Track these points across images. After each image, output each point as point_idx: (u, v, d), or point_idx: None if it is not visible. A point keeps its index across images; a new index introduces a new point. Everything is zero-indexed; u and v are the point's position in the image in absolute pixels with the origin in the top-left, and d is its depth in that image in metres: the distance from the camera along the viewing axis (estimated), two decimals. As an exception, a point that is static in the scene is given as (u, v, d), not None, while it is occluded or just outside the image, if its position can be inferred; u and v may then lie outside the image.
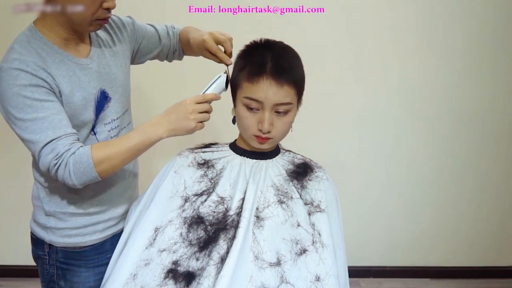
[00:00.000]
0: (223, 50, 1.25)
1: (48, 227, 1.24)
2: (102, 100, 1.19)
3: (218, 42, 1.23)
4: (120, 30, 1.30)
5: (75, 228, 1.24)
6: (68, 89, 1.11)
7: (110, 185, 1.27)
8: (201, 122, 1.12)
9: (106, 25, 1.25)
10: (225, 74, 1.16)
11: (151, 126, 1.11)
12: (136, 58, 1.40)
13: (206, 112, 1.13)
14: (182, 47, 1.46)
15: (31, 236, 1.31)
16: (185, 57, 1.48)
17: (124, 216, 1.32)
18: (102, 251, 1.28)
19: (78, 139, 1.11)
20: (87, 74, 1.15)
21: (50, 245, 1.25)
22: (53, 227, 1.23)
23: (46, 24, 1.11)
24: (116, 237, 1.26)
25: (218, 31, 1.25)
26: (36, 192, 1.25)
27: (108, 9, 1.10)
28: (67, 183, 1.09)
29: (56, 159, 1.06)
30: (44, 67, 1.07)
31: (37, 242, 1.28)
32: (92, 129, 1.19)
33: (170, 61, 1.50)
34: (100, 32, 1.24)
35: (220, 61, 1.24)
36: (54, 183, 1.20)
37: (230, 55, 1.23)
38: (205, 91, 1.15)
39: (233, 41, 1.27)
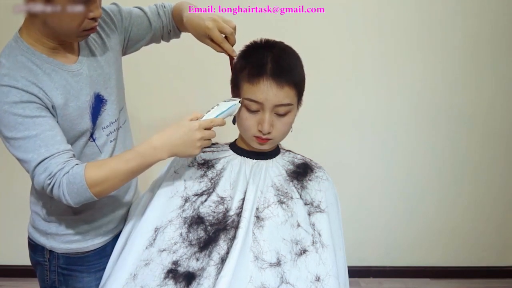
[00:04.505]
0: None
1: (48, 233, 1.21)
2: (98, 104, 1.15)
3: (222, 33, 1.14)
4: (107, 24, 1.22)
5: (77, 234, 1.21)
6: (62, 101, 1.07)
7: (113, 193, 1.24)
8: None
9: (101, 22, 1.20)
10: (240, 104, 1.10)
11: (152, 149, 1.04)
12: (129, 47, 1.31)
13: (210, 138, 1.07)
14: (177, 25, 1.35)
15: (29, 242, 1.28)
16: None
17: (124, 218, 1.30)
18: (104, 255, 1.25)
19: (74, 155, 1.07)
20: (79, 81, 1.11)
21: (51, 251, 1.22)
22: (54, 233, 1.20)
23: (31, 34, 1.06)
24: (115, 241, 1.24)
25: (221, 17, 1.16)
26: (35, 198, 1.22)
27: (94, 19, 1.05)
28: (62, 202, 1.05)
29: (50, 178, 1.02)
30: (35, 81, 1.03)
31: (36, 248, 1.25)
32: (91, 136, 1.16)
33: (167, 41, 1.39)
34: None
35: (222, 51, 1.16)
36: None
37: (232, 46, 1.17)
38: (218, 115, 1.07)
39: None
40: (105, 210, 1.25)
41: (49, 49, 1.08)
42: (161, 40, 1.38)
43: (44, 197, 1.19)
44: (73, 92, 1.09)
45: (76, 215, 1.20)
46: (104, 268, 1.22)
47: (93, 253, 1.25)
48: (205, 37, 1.17)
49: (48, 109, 1.05)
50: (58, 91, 1.06)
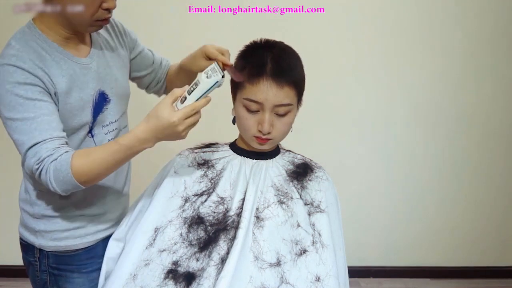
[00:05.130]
0: None
1: (37, 231, 1.20)
2: (101, 101, 1.16)
3: (219, 51, 1.16)
4: (121, 35, 1.28)
5: (66, 230, 1.20)
6: (66, 89, 1.08)
7: (102, 191, 1.24)
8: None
9: (108, 26, 1.23)
10: (223, 79, 1.04)
11: (137, 141, 1.03)
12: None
13: (196, 122, 1.04)
14: (166, 81, 1.43)
15: (20, 242, 1.27)
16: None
17: (116, 221, 1.29)
18: (94, 255, 1.24)
19: (66, 143, 1.06)
20: (87, 74, 1.13)
21: (41, 250, 1.21)
22: (42, 230, 1.20)
23: (45, 22, 1.08)
24: (106, 241, 1.23)
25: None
26: (25, 194, 1.22)
27: (108, 10, 1.08)
28: (52, 190, 1.04)
29: (38, 163, 1.02)
30: (41, 66, 1.04)
31: (27, 248, 1.24)
32: (90, 131, 1.16)
33: (149, 91, 1.45)
34: (102, 32, 1.22)
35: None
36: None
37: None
38: (199, 96, 1.01)
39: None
40: (96, 210, 1.24)
41: (62, 38, 1.10)
42: (144, 88, 1.45)
43: (33, 194, 1.19)
44: (78, 83, 1.10)
45: (66, 212, 1.20)
46: (95, 270, 1.21)
47: (83, 252, 1.23)
48: (202, 57, 1.20)
49: (51, 95, 1.06)
50: (64, 79, 1.07)
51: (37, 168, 1.02)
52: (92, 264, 1.24)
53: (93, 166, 1.03)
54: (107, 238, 1.25)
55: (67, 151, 1.03)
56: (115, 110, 1.21)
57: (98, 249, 1.25)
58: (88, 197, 1.21)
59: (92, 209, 1.23)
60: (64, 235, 1.21)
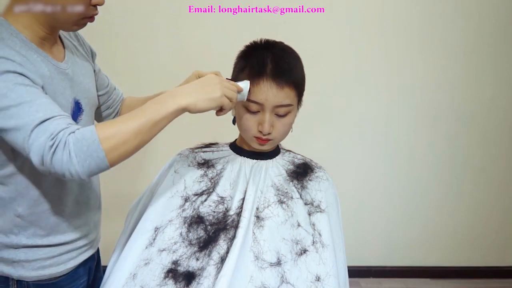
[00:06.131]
0: None
1: (16, 261, 1.08)
2: (76, 111, 1.09)
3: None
4: (84, 44, 1.23)
5: (49, 258, 1.11)
6: (50, 93, 0.98)
7: (85, 209, 1.20)
8: (227, 98, 0.98)
9: (71, 33, 1.17)
10: (249, 82, 1.06)
11: (169, 95, 0.94)
12: None
13: (232, 91, 0.99)
14: (123, 112, 1.38)
15: None
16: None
17: (95, 240, 1.27)
18: (77, 277, 1.19)
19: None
20: (63, 79, 1.05)
21: (19, 281, 1.09)
22: (23, 260, 1.08)
23: (20, 19, 0.98)
24: (88, 261, 1.21)
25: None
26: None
27: (96, 6, 1.01)
28: (68, 174, 0.88)
29: (52, 139, 0.85)
30: (28, 65, 0.94)
31: None
32: None
33: (96, 116, 1.34)
34: (68, 37, 1.16)
35: None
36: (33, 214, 1.06)
37: None
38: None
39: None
40: (78, 234, 1.18)
41: (38, 38, 1.01)
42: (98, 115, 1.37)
43: (8, 221, 1.07)
44: (59, 88, 1.03)
45: (50, 241, 1.12)
46: None
47: (66, 277, 1.16)
48: (196, 77, 1.19)
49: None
50: (48, 81, 1.00)
51: (51, 145, 0.86)
52: (76, 286, 1.20)
53: (122, 129, 0.89)
54: (89, 258, 1.24)
55: (81, 127, 0.91)
56: (85, 121, 1.14)
57: (79, 271, 1.21)
58: (72, 219, 1.15)
59: (76, 232, 1.17)
60: (47, 263, 1.12)
